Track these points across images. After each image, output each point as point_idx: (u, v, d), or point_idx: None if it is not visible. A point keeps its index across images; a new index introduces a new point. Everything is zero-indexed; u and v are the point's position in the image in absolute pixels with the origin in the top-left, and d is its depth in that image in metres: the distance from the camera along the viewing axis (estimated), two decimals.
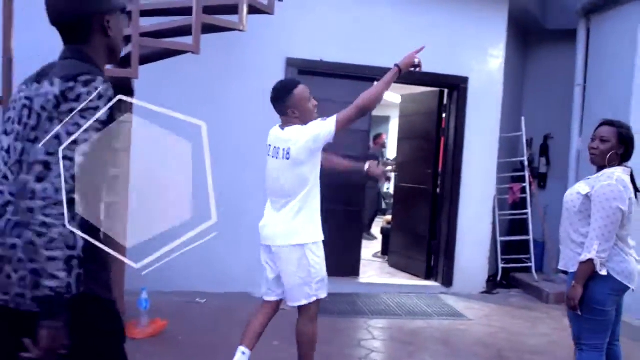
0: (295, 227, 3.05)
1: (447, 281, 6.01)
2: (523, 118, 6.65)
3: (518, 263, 6.56)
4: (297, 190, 3.04)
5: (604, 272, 2.79)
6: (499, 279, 6.36)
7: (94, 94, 1.51)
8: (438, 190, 6.35)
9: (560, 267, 3.06)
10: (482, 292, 6.04)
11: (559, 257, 3.11)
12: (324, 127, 2.98)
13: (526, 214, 6.53)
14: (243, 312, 3.86)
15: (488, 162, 6.13)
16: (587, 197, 2.88)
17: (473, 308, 5.44)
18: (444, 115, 6.35)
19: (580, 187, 2.96)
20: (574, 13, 6.64)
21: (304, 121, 3.08)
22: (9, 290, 1.53)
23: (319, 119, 3.08)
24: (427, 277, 6.26)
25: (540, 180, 7.28)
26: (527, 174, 6.56)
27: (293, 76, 5.33)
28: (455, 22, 5.97)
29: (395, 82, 3.08)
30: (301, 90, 3.11)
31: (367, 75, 5.46)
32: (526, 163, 6.60)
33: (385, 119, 12.67)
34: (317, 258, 3.08)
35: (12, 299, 1.53)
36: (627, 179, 2.88)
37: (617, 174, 2.87)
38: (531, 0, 6.50)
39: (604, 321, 2.84)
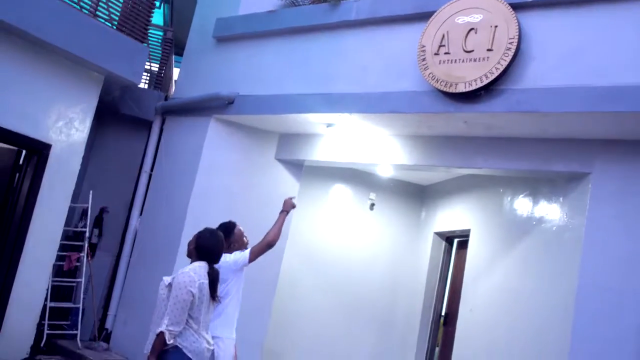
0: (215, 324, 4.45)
1: None
2: (92, 192, 7.51)
3: (60, 329, 7.18)
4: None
5: (171, 342, 3.75)
6: (42, 344, 6.83)
7: None
8: None
9: (145, 351, 3.97)
10: (25, 359, 6.44)
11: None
12: (242, 256, 4.78)
13: (77, 282, 7.31)
14: None
15: (54, 229, 6.74)
16: (170, 285, 3.95)
17: None
18: (17, 174, 6.71)
19: (167, 278, 4.03)
20: (150, 106, 8.03)
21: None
22: None
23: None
24: None
25: (91, 250, 8.16)
26: (86, 244, 7.37)
27: None
28: (48, 88, 6.56)
29: None
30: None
31: None
32: (87, 234, 7.41)
33: None
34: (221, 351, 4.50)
35: None
36: (203, 271, 4.01)
37: (193, 266, 4.03)
38: (115, 83, 7.49)
39: None
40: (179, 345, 3.84)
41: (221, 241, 4.28)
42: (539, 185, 6.03)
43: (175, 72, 10.23)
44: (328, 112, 6.29)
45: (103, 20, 7.06)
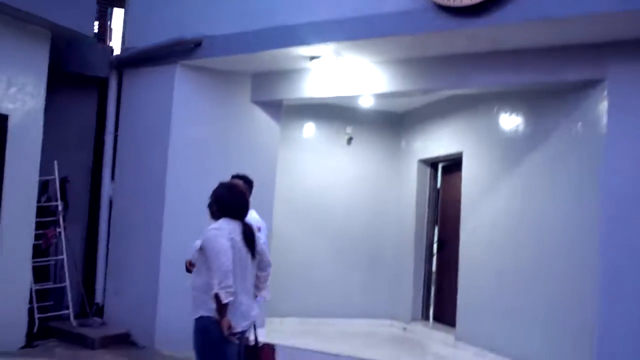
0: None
1: None
2: (56, 161, 6.93)
3: (46, 311, 6.74)
4: None
5: (230, 298, 3.43)
6: (35, 329, 6.41)
7: None
8: None
9: (193, 316, 3.65)
10: (23, 347, 6.04)
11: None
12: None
13: (59, 259, 6.90)
14: None
15: (28, 207, 6.24)
16: (201, 249, 3.63)
17: None
18: None
19: (196, 243, 3.70)
20: (97, 61, 7.41)
21: None
22: None
23: None
24: None
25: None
26: (60, 219, 6.88)
27: None
28: None
29: None
30: None
31: None
32: (59, 208, 6.90)
33: None
34: None
35: None
36: (228, 225, 3.67)
37: (217, 223, 3.72)
38: (63, 39, 6.83)
39: (226, 357, 3.55)
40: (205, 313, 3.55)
41: (241, 194, 3.91)
42: (541, 98, 5.90)
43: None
44: (312, 44, 5.91)
45: None
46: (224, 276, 3.45)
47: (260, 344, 3.92)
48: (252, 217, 4.64)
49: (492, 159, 6.64)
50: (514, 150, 6.29)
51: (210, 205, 3.87)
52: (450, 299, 7.29)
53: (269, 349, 3.93)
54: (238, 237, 3.68)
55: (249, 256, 3.75)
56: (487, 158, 6.74)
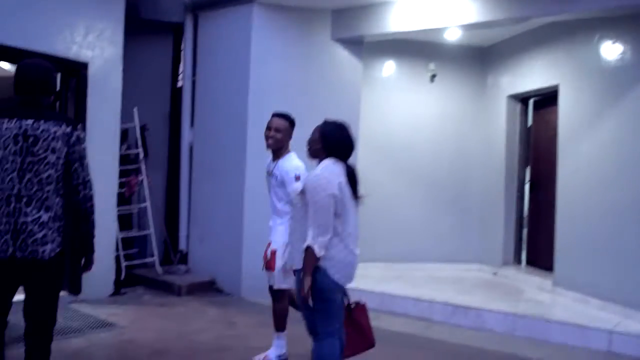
0: None
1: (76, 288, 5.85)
2: (136, 109, 6.89)
3: (130, 259, 6.85)
4: None
5: (322, 253, 3.22)
6: (122, 277, 6.51)
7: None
8: None
9: (294, 267, 3.45)
10: (111, 295, 6.14)
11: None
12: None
13: (142, 207, 6.94)
14: None
15: (110, 155, 6.24)
16: (302, 193, 3.41)
17: (116, 314, 5.55)
18: (58, 102, 6.09)
19: (298, 184, 3.48)
20: (168, 6, 7.25)
21: None
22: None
23: None
24: None
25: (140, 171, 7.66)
26: (143, 166, 6.88)
27: None
28: (73, 3, 5.84)
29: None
30: None
31: None
32: (141, 156, 6.90)
33: None
34: None
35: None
36: (337, 168, 3.40)
37: (324, 165, 3.43)
38: None
39: (334, 308, 3.38)
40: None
41: (350, 133, 3.58)
42: None
43: None
44: None
45: None
46: (321, 231, 3.24)
47: (353, 304, 3.70)
48: (293, 164, 4.23)
49: (593, 92, 6.13)
50: (618, 81, 5.78)
51: (312, 142, 3.60)
52: (545, 242, 6.94)
53: (361, 308, 3.72)
54: (343, 179, 3.43)
55: (353, 200, 3.52)
56: (587, 91, 6.23)
